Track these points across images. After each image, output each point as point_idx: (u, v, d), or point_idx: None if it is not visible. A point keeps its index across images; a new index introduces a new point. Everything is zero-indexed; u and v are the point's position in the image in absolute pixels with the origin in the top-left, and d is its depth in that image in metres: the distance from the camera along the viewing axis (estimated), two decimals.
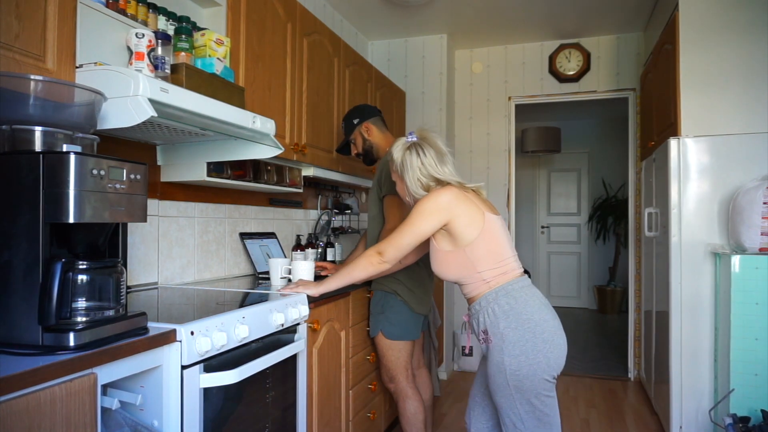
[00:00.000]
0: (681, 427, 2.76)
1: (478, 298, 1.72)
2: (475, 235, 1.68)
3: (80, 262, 1.16)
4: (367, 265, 1.85)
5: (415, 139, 1.83)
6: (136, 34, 1.63)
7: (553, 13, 3.78)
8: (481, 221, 1.69)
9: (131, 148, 1.94)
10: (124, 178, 1.22)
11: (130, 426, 1.25)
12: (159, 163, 2.09)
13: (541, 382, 1.63)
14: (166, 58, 1.69)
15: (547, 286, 7.49)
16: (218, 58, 1.89)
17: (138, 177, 1.26)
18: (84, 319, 1.15)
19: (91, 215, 1.14)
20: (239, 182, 2.25)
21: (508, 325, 1.64)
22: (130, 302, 1.66)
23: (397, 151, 1.84)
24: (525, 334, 1.63)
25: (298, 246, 2.92)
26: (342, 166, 3.03)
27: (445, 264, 1.76)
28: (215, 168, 2.08)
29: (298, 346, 1.81)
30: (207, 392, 1.40)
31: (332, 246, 3.21)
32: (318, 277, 2.26)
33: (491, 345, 1.67)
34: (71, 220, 1.10)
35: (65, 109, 1.24)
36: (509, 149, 4.45)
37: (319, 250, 3.08)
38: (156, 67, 1.66)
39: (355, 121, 2.48)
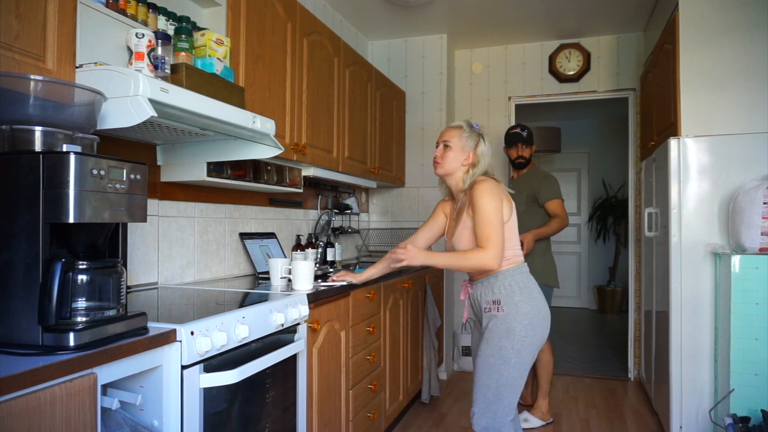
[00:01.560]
0: (681, 427, 2.76)
1: (496, 272, 1.94)
2: (508, 217, 1.96)
3: (80, 262, 1.16)
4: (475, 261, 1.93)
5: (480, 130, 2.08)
6: (136, 34, 1.63)
7: (553, 13, 3.78)
8: (511, 208, 1.99)
9: (131, 148, 1.94)
10: (124, 178, 1.22)
11: (130, 426, 1.25)
12: (159, 163, 2.09)
13: (535, 352, 1.92)
14: (166, 58, 1.69)
15: None
16: (218, 58, 1.89)
17: (138, 177, 1.26)
18: (84, 319, 1.15)
19: (91, 215, 1.14)
20: (239, 182, 2.25)
21: (522, 299, 1.91)
22: (130, 302, 1.66)
23: (482, 134, 2.05)
24: (533, 308, 1.92)
25: (298, 246, 2.92)
26: (342, 166, 3.03)
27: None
28: (215, 168, 2.09)
29: (298, 346, 1.81)
30: (207, 392, 1.40)
31: (332, 246, 3.21)
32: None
33: (501, 313, 1.91)
34: (71, 220, 1.10)
35: (65, 109, 1.24)
36: None
37: (319, 250, 3.08)
38: (156, 67, 1.66)
39: (533, 140, 3.35)
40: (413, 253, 1.95)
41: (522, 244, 2.78)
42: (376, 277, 2.33)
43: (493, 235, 1.86)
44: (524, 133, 3.31)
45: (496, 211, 1.89)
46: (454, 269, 1.98)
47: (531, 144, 3.33)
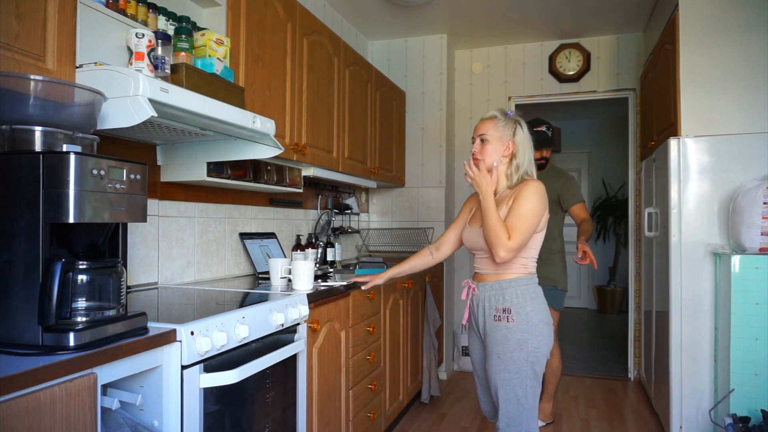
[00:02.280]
0: (681, 427, 2.76)
1: (510, 278, 1.87)
2: (543, 227, 1.88)
3: (80, 262, 1.16)
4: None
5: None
6: (136, 34, 1.63)
7: (553, 13, 3.78)
8: (547, 219, 1.88)
9: (131, 148, 1.94)
10: (124, 178, 1.22)
11: (130, 426, 1.25)
12: (159, 163, 2.09)
13: (546, 359, 1.86)
14: (166, 58, 1.69)
15: None
16: (218, 58, 1.89)
17: (138, 177, 1.26)
18: (84, 319, 1.15)
19: (91, 215, 1.14)
20: (239, 182, 2.25)
21: (533, 309, 1.84)
22: (130, 302, 1.65)
23: (518, 120, 1.94)
24: (543, 318, 1.85)
25: (298, 246, 2.92)
26: (342, 166, 3.03)
27: None
28: (215, 168, 2.08)
29: (298, 346, 1.81)
30: (207, 392, 1.40)
31: (332, 246, 3.21)
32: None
33: (512, 324, 1.83)
34: (71, 220, 1.10)
35: (65, 109, 1.24)
36: None
37: (319, 250, 3.08)
38: (156, 67, 1.66)
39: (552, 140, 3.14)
40: (484, 180, 1.82)
41: (585, 254, 2.80)
42: (401, 276, 2.37)
43: (521, 231, 1.78)
44: (550, 133, 3.09)
45: (536, 216, 1.81)
46: (486, 224, 1.80)
47: (554, 143, 3.15)
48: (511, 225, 1.79)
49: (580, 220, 3.04)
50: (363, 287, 2.32)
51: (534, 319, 1.83)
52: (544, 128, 3.10)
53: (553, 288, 3.04)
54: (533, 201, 1.81)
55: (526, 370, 1.82)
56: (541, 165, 3.14)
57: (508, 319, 1.83)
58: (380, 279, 2.30)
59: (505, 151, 1.90)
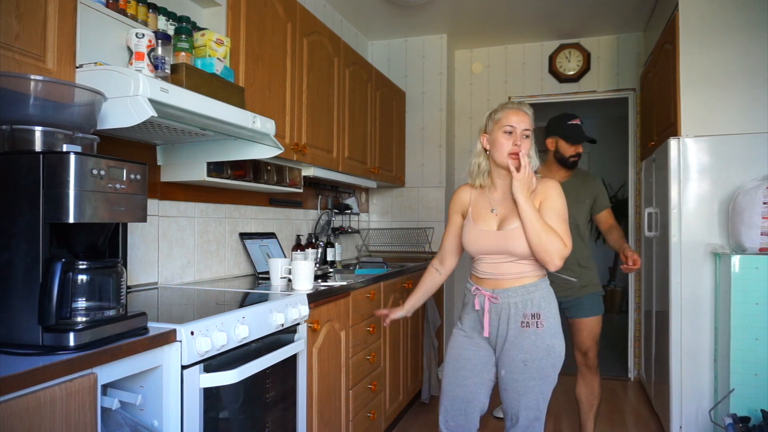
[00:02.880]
0: (681, 427, 2.76)
1: (535, 281, 1.77)
2: None
3: (80, 262, 1.16)
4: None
5: None
6: (136, 34, 1.63)
7: (553, 13, 3.78)
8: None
9: (131, 148, 1.94)
10: (124, 178, 1.22)
11: (130, 426, 1.25)
12: (159, 163, 2.09)
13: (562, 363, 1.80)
14: (166, 58, 1.69)
15: None
16: (218, 58, 1.89)
17: (138, 177, 1.26)
18: (84, 319, 1.15)
19: (91, 215, 1.14)
20: (239, 182, 2.25)
21: (556, 312, 1.79)
22: (130, 302, 1.65)
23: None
24: (560, 321, 1.81)
25: (298, 246, 2.92)
26: (342, 166, 3.03)
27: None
28: (215, 168, 2.09)
29: (298, 346, 1.81)
30: (207, 392, 1.40)
31: (332, 246, 3.21)
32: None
33: (542, 329, 1.74)
34: (71, 220, 1.10)
35: (65, 109, 1.24)
36: None
37: (319, 250, 3.08)
38: (156, 67, 1.66)
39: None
40: (529, 182, 1.68)
41: (635, 261, 2.45)
42: (419, 305, 2.12)
43: (569, 236, 1.70)
44: (583, 126, 2.67)
45: (567, 217, 1.75)
46: (536, 230, 1.65)
47: (588, 138, 2.74)
48: (559, 230, 1.68)
49: (608, 225, 2.71)
50: (384, 323, 2.09)
51: (557, 322, 1.78)
52: (578, 121, 2.65)
53: (601, 294, 2.76)
54: (562, 202, 1.74)
55: (550, 376, 1.76)
56: (574, 163, 2.65)
57: (537, 324, 1.73)
58: (397, 314, 2.05)
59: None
